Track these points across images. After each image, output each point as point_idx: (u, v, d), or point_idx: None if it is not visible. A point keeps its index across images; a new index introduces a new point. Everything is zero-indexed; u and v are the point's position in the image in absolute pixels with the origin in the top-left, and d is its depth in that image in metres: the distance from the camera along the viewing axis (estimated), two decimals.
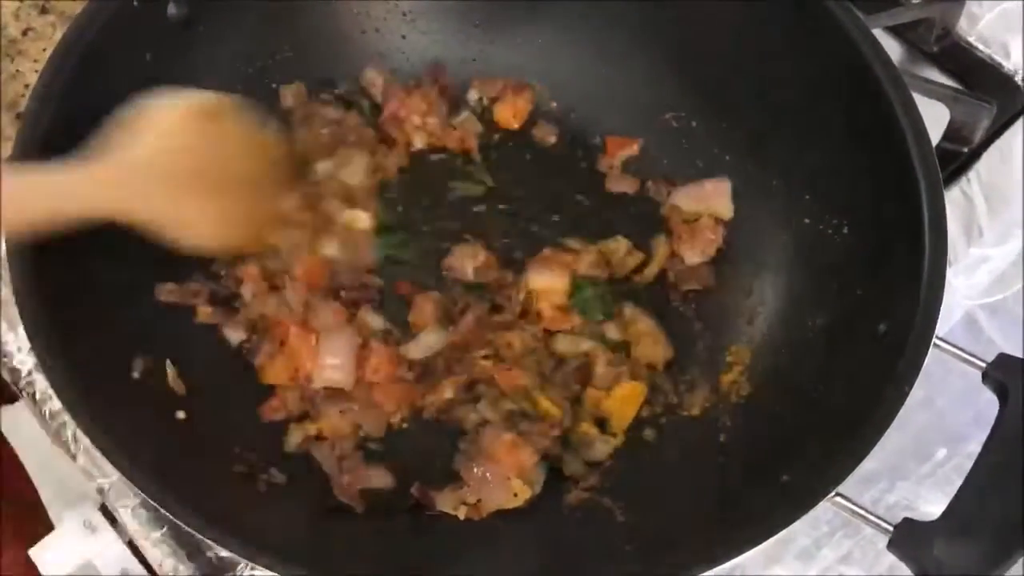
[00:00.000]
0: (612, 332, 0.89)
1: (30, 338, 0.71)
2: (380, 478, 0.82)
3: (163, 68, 0.86)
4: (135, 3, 0.83)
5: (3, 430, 0.97)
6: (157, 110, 0.77)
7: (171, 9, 0.86)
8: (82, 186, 0.73)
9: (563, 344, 0.89)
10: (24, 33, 1.05)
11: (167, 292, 0.85)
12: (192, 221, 0.80)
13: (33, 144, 0.77)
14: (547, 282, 0.90)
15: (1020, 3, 1.08)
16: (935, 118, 0.98)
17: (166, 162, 0.76)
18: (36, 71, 0.87)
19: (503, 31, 0.98)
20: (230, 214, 0.83)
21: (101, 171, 0.74)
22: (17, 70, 1.03)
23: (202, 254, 0.83)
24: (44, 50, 1.03)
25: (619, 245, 0.92)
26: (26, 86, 1.01)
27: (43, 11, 1.06)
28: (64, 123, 0.79)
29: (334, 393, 0.85)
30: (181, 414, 0.80)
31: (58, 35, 0.83)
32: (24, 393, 0.90)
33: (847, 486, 0.69)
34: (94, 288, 0.78)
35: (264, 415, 0.84)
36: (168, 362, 0.82)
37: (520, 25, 0.98)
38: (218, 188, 0.81)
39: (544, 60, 0.98)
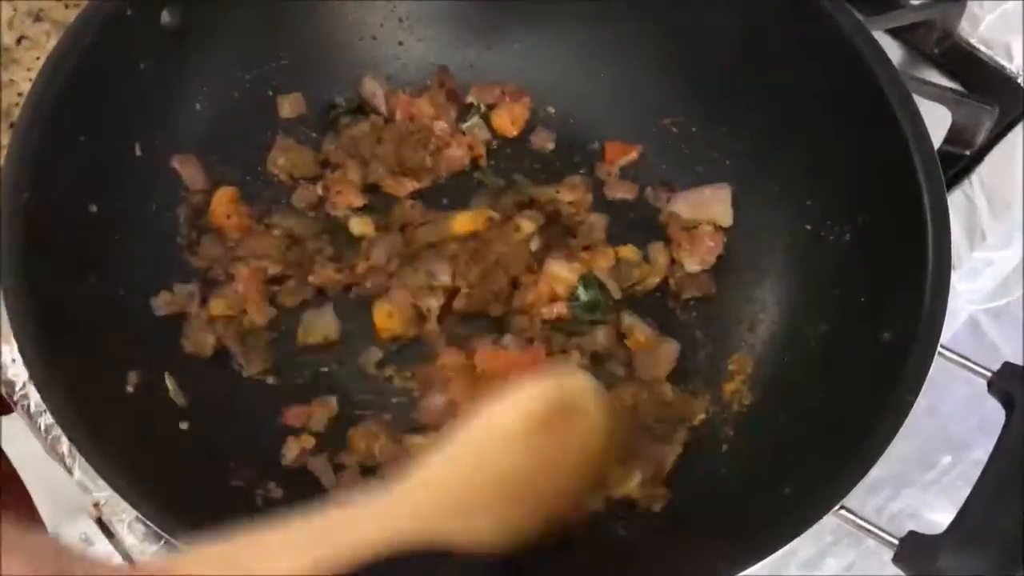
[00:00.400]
0: (601, 340, 0.88)
1: (22, 353, 0.70)
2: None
3: (157, 76, 0.86)
4: (129, 12, 0.82)
5: (0, 442, 0.96)
6: (495, 414, 0.62)
7: (165, 17, 0.85)
8: (391, 517, 0.60)
9: None
10: (18, 41, 1.04)
11: (165, 304, 0.85)
12: (492, 532, 0.63)
13: (27, 154, 0.77)
14: (561, 269, 0.88)
15: (1022, 4, 1.08)
16: (937, 121, 0.97)
17: (482, 485, 0.61)
18: (30, 80, 0.87)
19: (500, 36, 0.97)
20: (536, 517, 0.65)
21: (396, 505, 0.60)
22: (11, 79, 1.02)
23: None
24: (38, 59, 1.02)
25: (633, 255, 0.91)
26: (20, 95, 1.00)
27: (37, 19, 1.05)
28: (58, 132, 0.78)
29: None
30: (184, 425, 0.79)
31: (52, 43, 0.82)
32: (19, 406, 0.89)
33: (851, 494, 0.68)
34: (87, 302, 0.77)
35: (286, 419, 0.84)
36: (167, 375, 0.81)
37: (517, 30, 0.97)
38: (537, 498, 0.64)
39: (542, 65, 0.97)
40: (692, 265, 0.90)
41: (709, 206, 0.91)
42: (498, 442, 0.61)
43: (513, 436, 0.61)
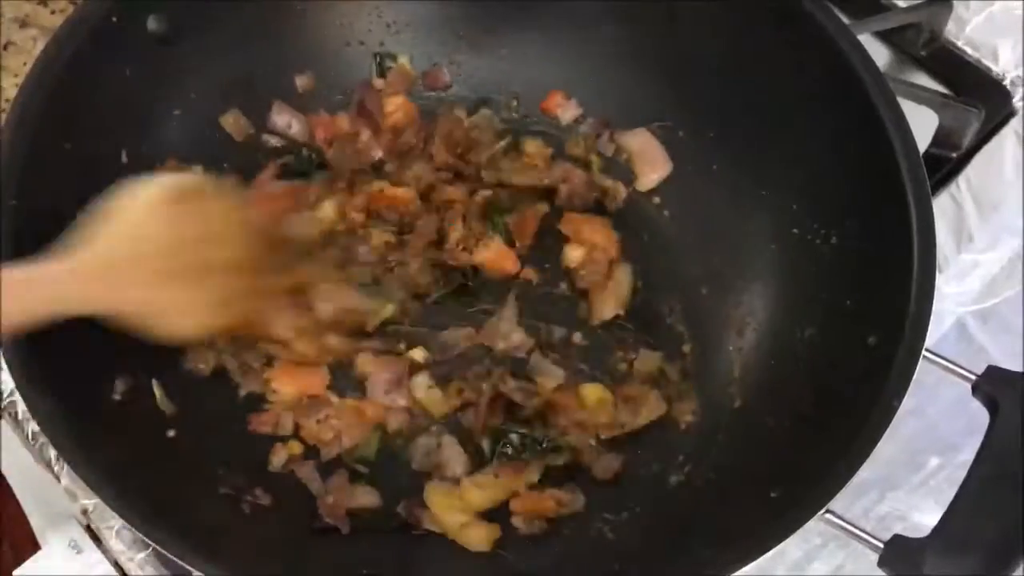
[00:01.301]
0: None
1: (7, 363, 0.70)
2: (366, 497, 0.81)
3: (143, 83, 0.86)
4: (115, 18, 0.82)
5: None
6: (126, 198, 0.74)
7: (151, 24, 0.85)
8: (53, 284, 0.69)
9: None
10: (5, 47, 1.04)
11: None
12: (173, 309, 0.75)
13: (14, 160, 0.76)
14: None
15: (1008, 4, 1.08)
16: (924, 124, 0.98)
17: (139, 251, 0.73)
18: (17, 85, 0.87)
19: (488, 42, 0.97)
20: (212, 298, 0.78)
21: (70, 266, 0.70)
22: None
23: (186, 343, 0.80)
24: (25, 64, 1.02)
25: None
26: (7, 101, 1.00)
27: (23, 25, 1.05)
28: (44, 139, 0.78)
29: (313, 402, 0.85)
30: (171, 432, 0.79)
31: (38, 49, 0.82)
32: (6, 413, 0.89)
33: (839, 497, 0.68)
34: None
35: (252, 426, 0.84)
36: (154, 382, 0.81)
37: (505, 36, 0.97)
38: (197, 272, 0.77)
39: (528, 72, 0.97)
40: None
41: None
42: (144, 215, 0.73)
43: (155, 211, 0.74)
